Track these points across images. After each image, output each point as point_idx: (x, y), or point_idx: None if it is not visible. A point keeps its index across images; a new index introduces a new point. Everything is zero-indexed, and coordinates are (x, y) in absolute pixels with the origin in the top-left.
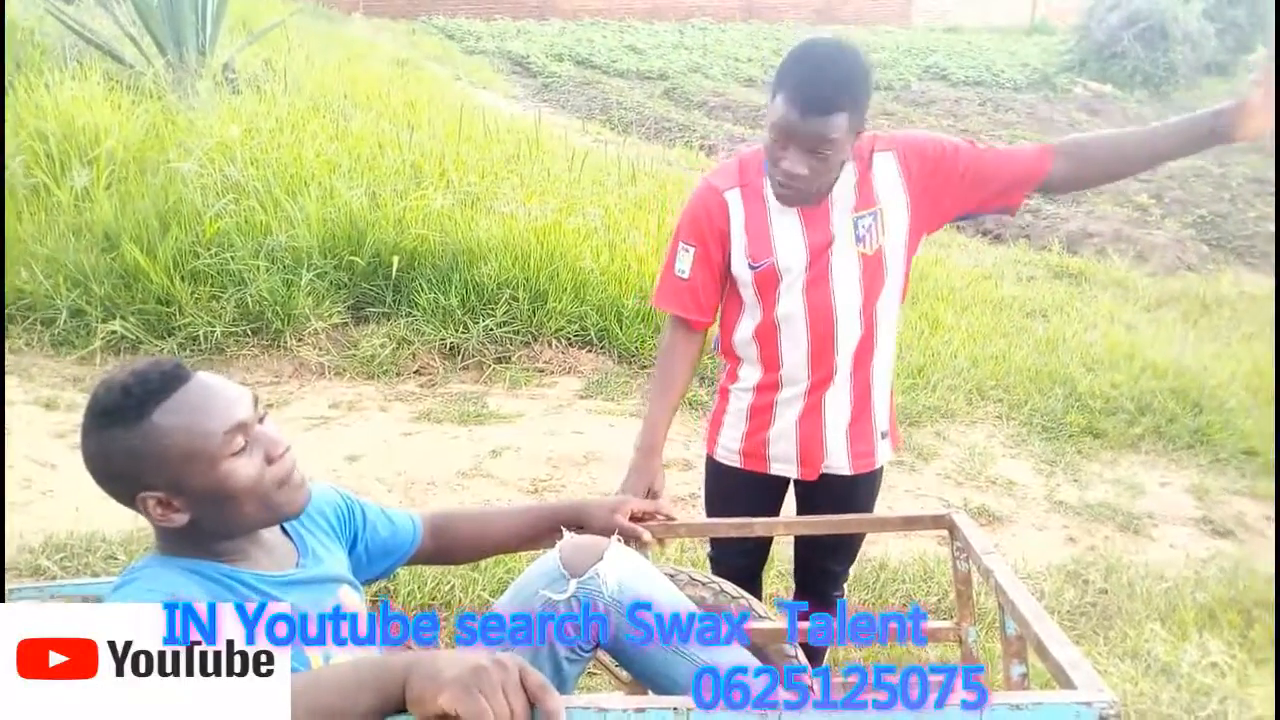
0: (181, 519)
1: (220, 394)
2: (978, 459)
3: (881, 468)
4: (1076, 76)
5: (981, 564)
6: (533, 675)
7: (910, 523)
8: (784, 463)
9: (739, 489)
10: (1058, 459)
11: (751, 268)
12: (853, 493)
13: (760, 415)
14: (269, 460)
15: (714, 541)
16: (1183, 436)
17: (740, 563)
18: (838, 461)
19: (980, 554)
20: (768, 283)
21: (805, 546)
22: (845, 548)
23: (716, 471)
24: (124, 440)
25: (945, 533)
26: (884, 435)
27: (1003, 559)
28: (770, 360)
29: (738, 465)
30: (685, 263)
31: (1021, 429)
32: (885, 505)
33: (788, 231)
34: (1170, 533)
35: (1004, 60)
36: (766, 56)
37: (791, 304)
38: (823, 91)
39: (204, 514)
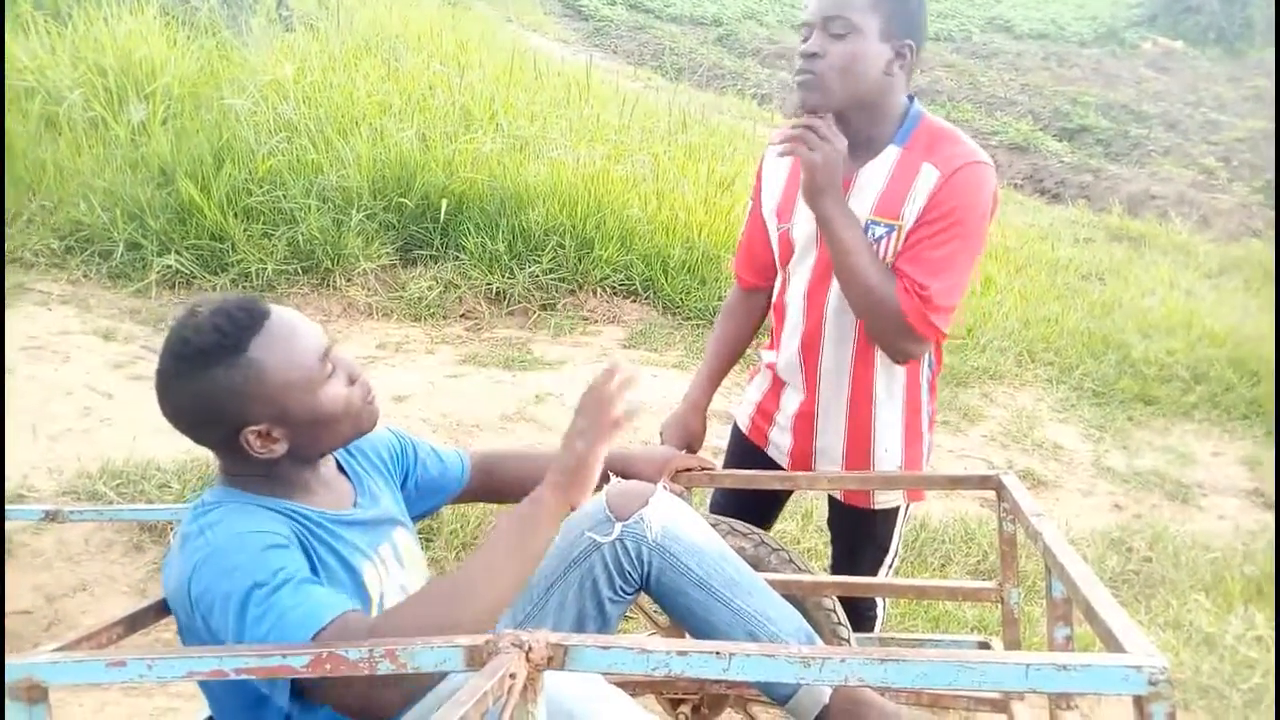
0: (281, 449)
1: (301, 324)
2: (1025, 422)
3: (897, 508)
4: (1146, 32)
5: (1030, 526)
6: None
7: (956, 482)
8: (780, 453)
9: (745, 454)
10: (1107, 425)
11: (777, 228)
12: (856, 524)
13: (771, 397)
14: (351, 380)
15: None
16: (1239, 406)
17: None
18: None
19: (1029, 515)
20: (785, 251)
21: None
22: (864, 553)
23: (734, 428)
24: (225, 379)
25: (988, 494)
26: None
27: (1051, 521)
28: (776, 343)
29: (745, 431)
30: (745, 219)
31: (1071, 393)
32: (927, 465)
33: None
34: (1220, 504)
35: (1070, 13)
36: None
37: (796, 289)
38: None
39: (301, 441)
